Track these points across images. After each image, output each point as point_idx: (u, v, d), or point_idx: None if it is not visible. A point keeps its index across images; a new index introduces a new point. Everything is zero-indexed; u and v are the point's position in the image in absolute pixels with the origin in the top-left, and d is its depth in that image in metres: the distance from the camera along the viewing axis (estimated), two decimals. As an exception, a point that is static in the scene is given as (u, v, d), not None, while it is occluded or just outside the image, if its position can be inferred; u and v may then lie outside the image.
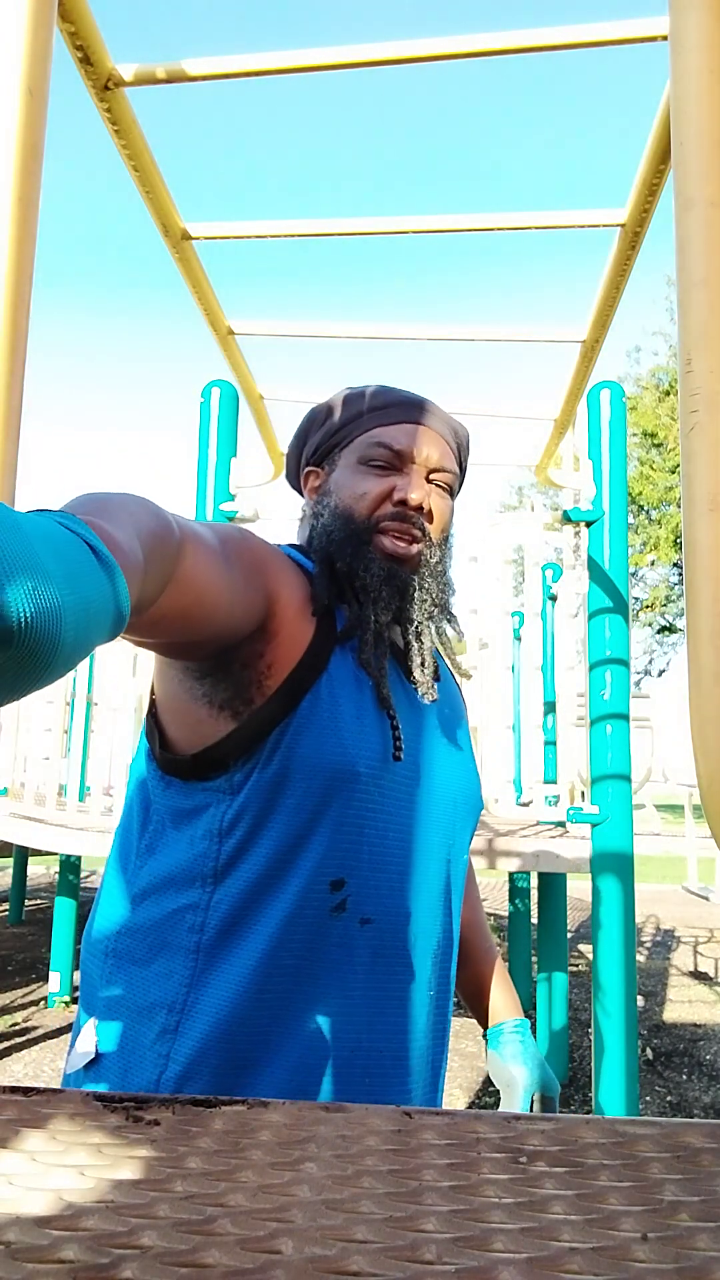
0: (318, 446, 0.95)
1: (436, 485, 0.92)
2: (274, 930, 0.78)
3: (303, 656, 0.81)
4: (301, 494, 1.00)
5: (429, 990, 0.88)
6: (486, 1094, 3.18)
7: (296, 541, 0.96)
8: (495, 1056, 0.99)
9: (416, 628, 0.91)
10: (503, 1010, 1.04)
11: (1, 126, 0.43)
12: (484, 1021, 1.05)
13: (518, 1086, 0.94)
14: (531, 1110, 0.92)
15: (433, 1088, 0.90)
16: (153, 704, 0.87)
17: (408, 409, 0.93)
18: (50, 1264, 0.33)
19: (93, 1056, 0.80)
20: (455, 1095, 3.17)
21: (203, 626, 0.70)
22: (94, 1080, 0.80)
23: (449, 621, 0.95)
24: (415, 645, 0.91)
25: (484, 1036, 1.04)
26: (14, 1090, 0.49)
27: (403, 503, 0.88)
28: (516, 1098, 0.94)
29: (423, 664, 0.92)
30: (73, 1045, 0.84)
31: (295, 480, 1.02)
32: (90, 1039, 0.82)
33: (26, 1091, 0.49)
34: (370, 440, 0.91)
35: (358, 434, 0.92)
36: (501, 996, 1.05)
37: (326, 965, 0.80)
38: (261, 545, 0.81)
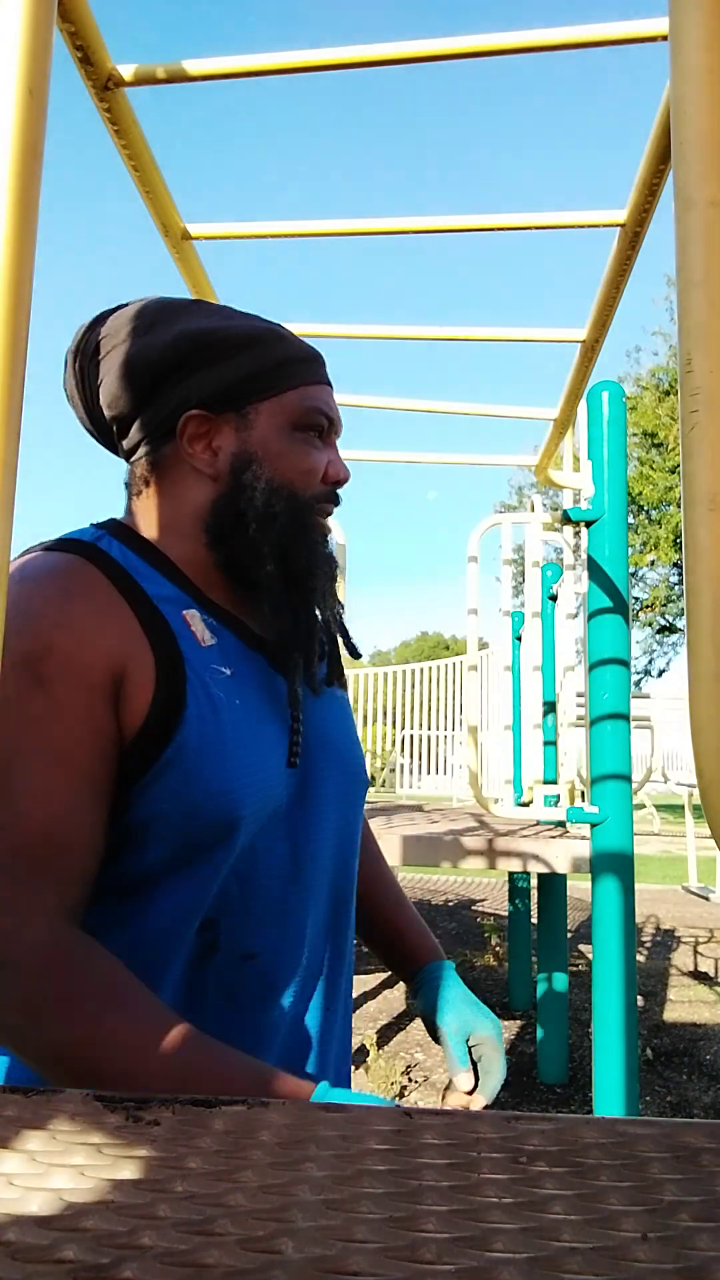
0: (226, 388, 0.75)
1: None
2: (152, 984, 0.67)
3: (148, 709, 0.67)
4: (157, 440, 0.77)
5: (321, 1010, 0.82)
6: (486, 1094, 3.19)
7: (130, 515, 0.78)
8: (423, 1002, 0.92)
9: (330, 614, 0.83)
10: (422, 954, 0.97)
11: (1, 126, 0.43)
12: (403, 969, 0.98)
13: (450, 1030, 0.86)
14: (470, 1054, 0.85)
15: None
16: None
17: (322, 365, 0.81)
18: (50, 1264, 0.33)
19: None
20: (455, 1095, 3.17)
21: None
22: None
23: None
24: (322, 634, 0.85)
25: (407, 984, 0.97)
26: (14, 1090, 0.49)
27: (338, 482, 0.80)
28: (449, 1043, 0.86)
29: (324, 652, 0.85)
30: None
31: (116, 412, 0.77)
32: None
33: (26, 1091, 0.49)
34: (306, 402, 0.77)
35: (285, 387, 0.76)
36: (418, 940, 0.98)
37: (207, 1011, 0.71)
38: (76, 670, 0.65)
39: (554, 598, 3.61)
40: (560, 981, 3.48)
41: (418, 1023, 3.99)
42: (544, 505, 3.81)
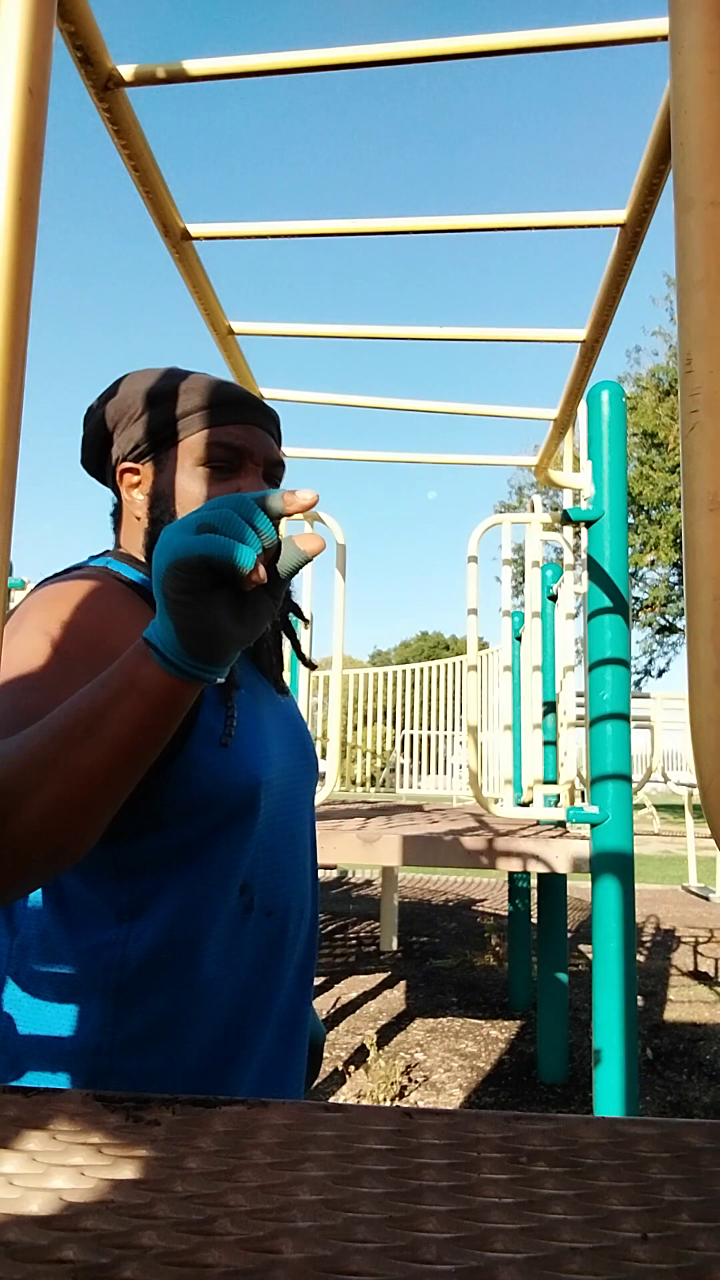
0: (137, 443, 0.89)
1: (273, 480, 0.91)
2: (202, 942, 0.81)
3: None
4: (105, 483, 0.96)
5: (307, 953, 0.96)
6: (486, 1094, 3.19)
7: (119, 545, 0.94)
8: None
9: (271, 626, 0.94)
10: None
11: (1, 126, 0.43)
12: None
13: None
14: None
15: (292, 1038, 0.93)
16: None
17: (238, 407, 0.90)
18: (50, 1264, 0.33)
19: None
20: (455, 1095, 3.17)
21: None
22: None
23: (294, 611, 0.97)
24: (268, 642, 0.96)
25: None
26: (14, 1090, 0.49)
27: None
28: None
29: (276, 658, 0.98)
30: None
31: (98, 471, 0.97)
32: None
33: (26, 1091, 0.49)
34: (207, 440, 0.87)
35: (188, 434, 0.88)
36: None
37: (244, 964, 0.84)
38: (101, 623, 0.77)
39: (554, 598, 3.61)
40: (560, 981, 3.48)
41: (418, 1022, 4.00)
42: (544, 505, 3.81)
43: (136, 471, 0.90)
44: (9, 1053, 0.78)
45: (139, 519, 0.90)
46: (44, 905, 0.80)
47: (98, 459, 0.95)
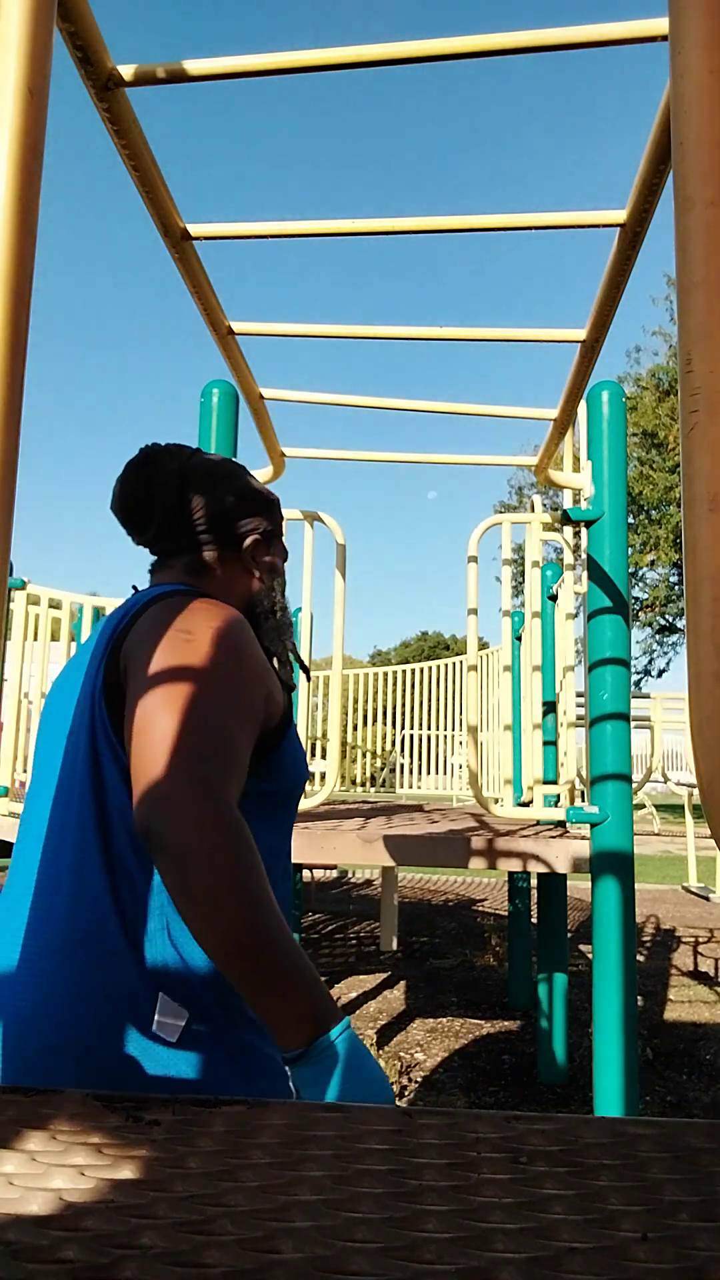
0: (265, 531, 1.19)
1: None
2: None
3: (283, 710, 1.06)
4: (228, 545, 1.16)
5: None
6: (486, 1094, 3.19)
7: (207, 591, 1.13)
8: None
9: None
10: None
11: (1, 126, 0.43)
12: None
13: None
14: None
15: None
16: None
17: None
18: (50, 1264, 0.33)
19: (182, 1028, 0.89)
20: (454, 1095, 3.17)
21: None
22: (188, 1047, 0.89)
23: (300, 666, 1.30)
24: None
25: None
26: (14, 1090, 0.49)
27: None
28: None
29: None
30: (145, 1019, 0.89)
31: (230, 533, 1.16)
32: (180, 1013, 0.89)
33: (27, 1091, 0.49)
34: (283, 550, 1.24)
35: (279, 539, 1.24)
36: None
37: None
38: (260, 674, 1.01)
39: (554, 598, 3.61)
40: (560, 981, 3.48)
41: (418, 1022, 4.00)
42: (544, 505, 3.81)
43: (264, 550, 1.19)
44: (187, 989, 0.90)
45: (253, 575, 1.18)
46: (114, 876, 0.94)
47: (232, 526, 1.16)
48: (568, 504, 2.66)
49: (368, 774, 10.27)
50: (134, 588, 1.17)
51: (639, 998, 4.36)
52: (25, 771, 4.28)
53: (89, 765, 0.96)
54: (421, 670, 8.22)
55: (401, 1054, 3.59)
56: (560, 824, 3.22)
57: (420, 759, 8.56)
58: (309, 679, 1.39)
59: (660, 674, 23.61)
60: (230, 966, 0.76)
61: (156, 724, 0.84)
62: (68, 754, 1.00)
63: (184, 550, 1.14)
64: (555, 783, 3.57)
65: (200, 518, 1.14)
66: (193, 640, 0.92)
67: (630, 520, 13.59)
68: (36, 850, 0.97)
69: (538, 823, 3.36)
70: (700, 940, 6.01)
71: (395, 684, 8.22)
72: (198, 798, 0.79)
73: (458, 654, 7.95)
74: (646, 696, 6.75)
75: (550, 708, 3.77)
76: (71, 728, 1.01)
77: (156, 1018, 0.88)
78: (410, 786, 8.77)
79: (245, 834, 0.80)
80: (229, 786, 0.84)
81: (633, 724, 2.37)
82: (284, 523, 1.31)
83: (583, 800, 2.86)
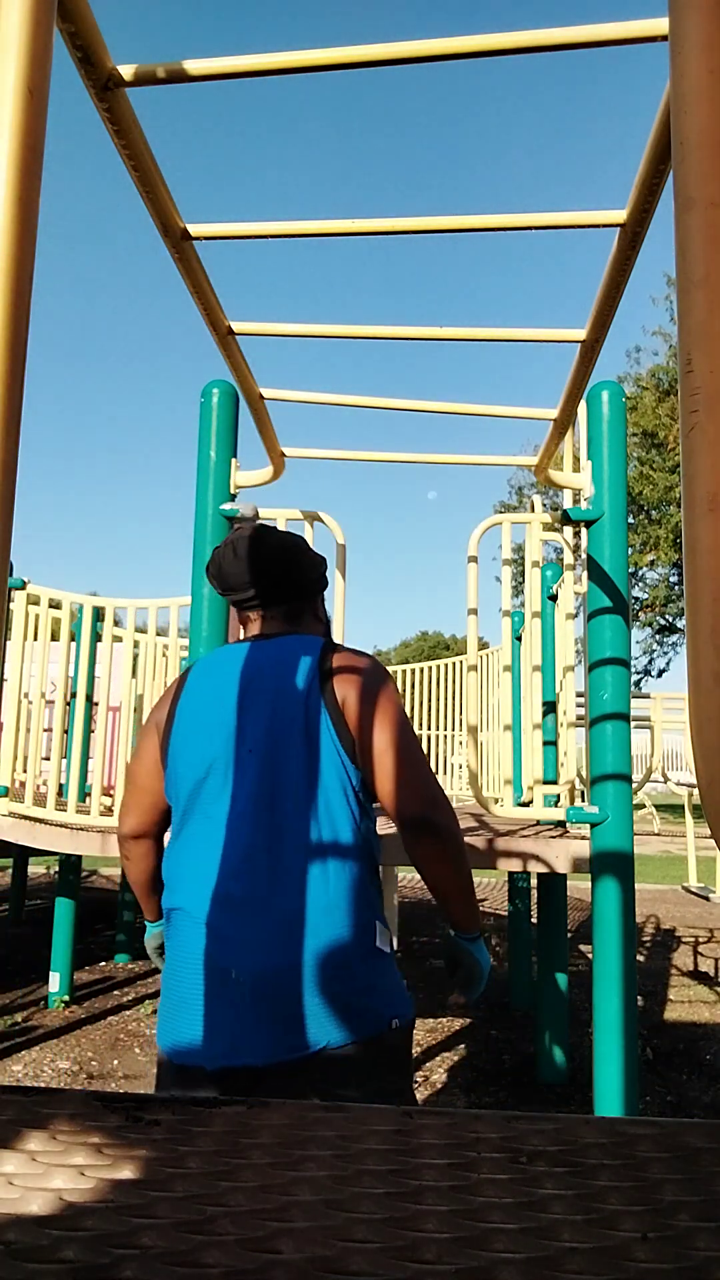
0: (321, 588, 1.62)
1: None
2: None
3: None
4: (310, 598, 1.58)
5: None
6: (486, 1094, 3.19)
7: (311, 631, 1.59)
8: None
9: None
10: None
11: (1, 126, 0.43)
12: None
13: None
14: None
15: None
16: (350, 740, 1.36)
17: None
18: (50, 1264, 0.33)
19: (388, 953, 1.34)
20: (454, 1095, 3.17)
21: None
22: (388, 956, 1.34)
23: None
24: None
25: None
26: (14, 1090, 0.49)
27: None
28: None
29: None
30: (368, 934, 1.30)
31: (311, 591, 1.57)
32: (387, 934, 1.35)
33: (26, 1091, 0.49)
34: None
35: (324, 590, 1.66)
36: None
37: None
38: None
39: (554, 598, 3.61)
40: (560, 981, 3.48)
41: (418, 1022, 3.99)
42: (544, 505, 3.80)
43: (323, 603, 1.65)
44: (381, 921, 1.34)
45: (320, 621, 1.61)
46: (359, 842, 1.33)
47: (313, 587, 1.58)
48: (568, 504, 2.66)
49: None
50: (242, 635, 1.57)
51: (639, 998, 4.36)
52: (25, 771, 4.28)
53: (310, 759, 1.32)
54: (421, 670, 8.22)
55: (401, 1054, 3.58)
56: (560, 824, 3.22)
57: (420, 759, 8.54)
58: None
59: (660, 674, 23.62)
60: (462, 890, 1.34)
61: (408, 746, 1.32)
62: (279, 751, 1.32)
63: (281, 602, 1.54)
64: (555, 783, 3.57)
65: (296, 580, 1.56)
66: (388, 684, 1.39)
67: (630, 520, 13.58)
68: (244, 826, 1.30)
69: (538, 823, 3.36)
70: (700, 940, 6.01)
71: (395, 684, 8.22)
72: (446, 800, 1.32)
73: (458, 654, 7.95)
74: (646, 696, 6.75)
75: (550, 708, 3.77)
76: (271, 730, 1.34)
77: (377, 937, 1.31)
78: (410, 786, 8.75)
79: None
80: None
81: (633, 724, 2.37)
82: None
83: (583, 800, 2.86)
